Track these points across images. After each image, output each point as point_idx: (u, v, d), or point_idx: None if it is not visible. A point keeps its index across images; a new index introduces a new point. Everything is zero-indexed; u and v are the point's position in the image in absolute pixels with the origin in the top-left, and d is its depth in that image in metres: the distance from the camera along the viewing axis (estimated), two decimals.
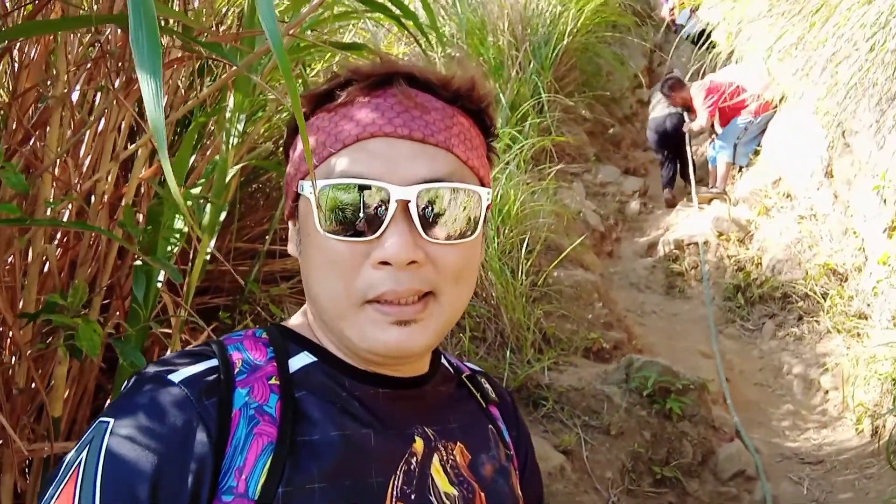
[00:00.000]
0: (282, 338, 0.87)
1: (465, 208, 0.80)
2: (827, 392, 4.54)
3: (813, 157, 5.55)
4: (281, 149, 0.96)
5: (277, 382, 0.81)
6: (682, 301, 5.98)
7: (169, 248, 1.78)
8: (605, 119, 8.66)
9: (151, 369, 0.79)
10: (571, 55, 7.71)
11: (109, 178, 1.73)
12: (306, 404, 0.80)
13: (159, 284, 1.72)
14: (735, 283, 5.73)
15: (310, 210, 0.79)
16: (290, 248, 0.90)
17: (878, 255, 4.54)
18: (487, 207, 0.86)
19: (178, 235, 1.78)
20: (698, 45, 8.05)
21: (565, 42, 7.30)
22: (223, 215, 2.00)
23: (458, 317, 0.87)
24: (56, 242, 1.70)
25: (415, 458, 0.83)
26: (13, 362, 1.37)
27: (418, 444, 0.85)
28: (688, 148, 7.69)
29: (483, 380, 1.01)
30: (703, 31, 7.85)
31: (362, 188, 0.77)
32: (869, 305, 4.69)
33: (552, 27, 7.23)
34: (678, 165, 7.77)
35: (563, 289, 4.24)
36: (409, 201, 0.76)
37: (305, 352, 0.86)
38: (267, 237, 2.96)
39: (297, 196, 0.84)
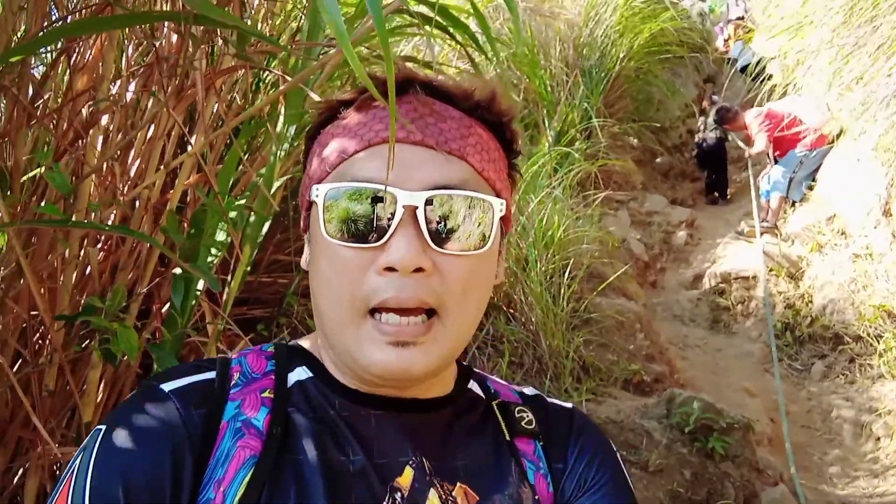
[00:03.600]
0: (287, 352, 0.85)
1: (476, 219, 0.77)
2: (879, 439, 4.34)
3: (870, 194, 5.37)
4: None
5: (271, 396, 0.79)
6: (727, 336, 5.82)
7: (210, 258, 1.77)
8: (654, 147, 8.56)
9: (153, 379, 0.79)
10: (623, 82, 7.65)
11: (156, 186, 1.73)
12: (296, 421, 0.78)
13: (198, 293, 1.71)
14: (784, 320, 5.56)
15: (317, 217, 0.78)
16: (302, 261, 0.86)
17: None
18: (504, 220, 0.83)
19: (220, 245, 1.77)
20: (752, 77, 7.98)
21: (617, 69, 7.25)
22: (266, 227, 1.99)
23: (465, 340, 0.82)
24: (99, 246, 1.71)
25: (399, 493, 0.77)
26: (46, 364, 1.36)
27: (405, 477, 0.78)
28: (728, 167, 8.37)
29: (523, 408, 0.91)
30: (758, 62, 7.76)
31: (370, 193, 0.74)
32: None
33: (605, 54, 7.18)
34: (720, 178, 8.44)
35: (604, 317, 4.15)
36: (416, 207, 0.74)
37: (304, 367, 0.83)
38: None
39: (311, 205, 0.82)
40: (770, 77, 7.24)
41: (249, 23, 2.11)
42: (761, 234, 6.53)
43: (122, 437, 0.72)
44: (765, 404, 4.64)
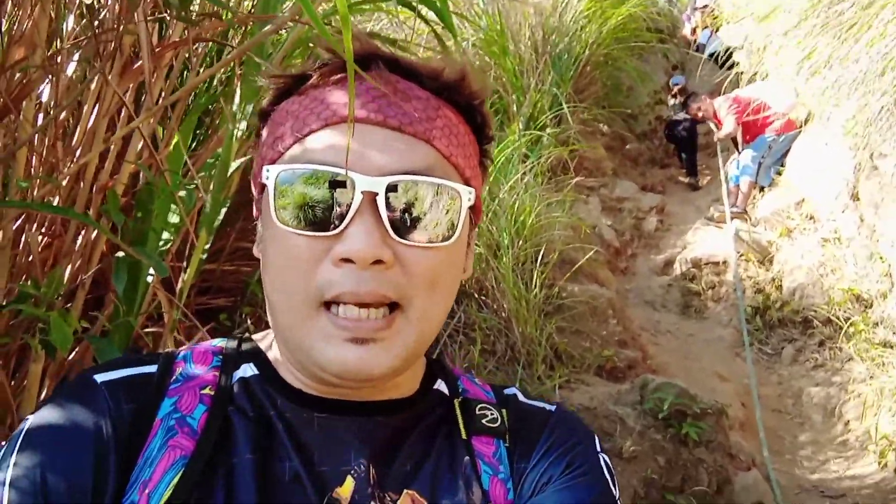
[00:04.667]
0: (237, 348, 0.79)
1: (443, 207, 0.71)
2: (848, 422, 4.37)
3: (838, 178, 5.39)
4: None
5: (211, 393, 0.73)
6: (698, 321, 5.82)
7: (162, 243, 1.67)
8: (624, 134, 8.55)
9: (90, 370, 0.74)
10: (592, 68, 7.61)
11: (106, 166, 1.62)
12: (235, 421, 0.72)
13: (150, 279, 1.61)
14: (754, 305, 5.58)
15: (268, 201, 0.70)
16: (254, 249, 0.78)
17: None
18: (473, 210, 0.76)
19: (170, 228, 1.67)
20: (720, 65, 8.02)
21: (586, 54, 7.21)
22: (224, 212, 1.89)
23: (432, 336, 0.75)
24: (43, 231, 1.60)
25: None
26: None
27: (345, 487, 0.71)
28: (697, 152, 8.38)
29: (487, 406, 0.82)
30: (727, 49, 7.79)
31: (327, 177, 0.67)
32: (894, 333, 4.52)
33: (573, 40, 7.12)
34: (691, 160, 8.53)
35: (577, 303, 4.10)
36: (376, 194, 0.67)
37: (251, 364, 0.77)
38: None
39: (263, 188, 0.73)
40: (737, 64, 7.26)
41: None
42: (731, 219, 6.55)
43: (45, 432, 0.67)
44: (736, 389, 4.65)
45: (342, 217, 0.67)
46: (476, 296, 3.79)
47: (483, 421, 0.79)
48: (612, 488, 0.77)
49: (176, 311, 1.71)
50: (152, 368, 0.74)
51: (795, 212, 6.05)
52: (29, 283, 1.19)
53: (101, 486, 0.65)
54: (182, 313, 1.72)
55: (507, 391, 0.86)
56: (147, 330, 1.88)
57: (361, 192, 0.66)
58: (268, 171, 0.70)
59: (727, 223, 6.53)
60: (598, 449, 0.80)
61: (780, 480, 3.72)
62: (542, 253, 4.03)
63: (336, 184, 0.67)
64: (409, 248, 0.69)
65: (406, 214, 0.68)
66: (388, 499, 0.72)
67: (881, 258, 4.90)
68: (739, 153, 7.12)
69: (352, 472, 0.72)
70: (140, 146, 1.55)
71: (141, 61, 1.54)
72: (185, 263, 1.98)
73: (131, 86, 1.63)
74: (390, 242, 0.68)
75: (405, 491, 0.73)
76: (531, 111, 6.43)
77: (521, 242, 4.03)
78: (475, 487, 0.74)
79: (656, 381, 3.51)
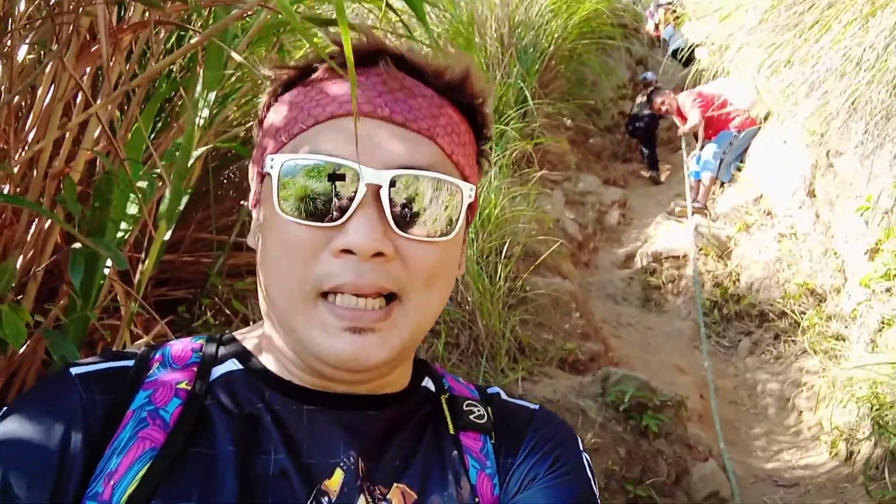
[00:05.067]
0: (218, 345, 0.79)
1: (443, 203, 0.72)
2: (801, 413, 4.48)
3: (796, 175, 5.51)
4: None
5: (188, 388, 0.73)
6: (658, 315, 5.90)
7: (120, 234, 1.62)
8: (588, 128, 8.61)
9: (68, 364, 0.74)
10: (557, 62, 7.64)
11: (61, 153, 1.56)
12: (214, 415, 0.71)
13: (107, 270, 1.56)
14: (712, 298, 5.67)
15: (269, 191, 0.72)
16: (250, 240, 0.80)
17: (858, 276, 4.49)
18: (471, 207, 0.77)
19: (129, 219, 1.62)
20: (682, 61, 8.12)
21: (552, 49, 7.23)
22: (185, 201, 1.85)
23: (427, 328, 0.76)
24: None
25: (326, 498, 0.69)
26: None
27: (334, 480, 0.70)
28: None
29: (474, 403, 0.83)
30: (689, 46, 7.89)
31: (331, 168, 0.68)
32: (847, 327, 4.64)
33: (539, 34, 7.14)
34: (651, 154, 8.62)
35: (540, 296, 4.13)
36: (380, 187, 0.68)
37: (234, 359, 0.77)
38: (234, 228, 2.80)
39: (263, 177, 0.75)
40: (699, 61, 7.36)
41: None
42: (692, 213, 6.65)
43: (14, 423, 0.67)
44: (695, 381, 4.73)
45: (344, 209, 0.67)
46: None
47: (470, 417, 0.81)
48: (594, 488, 0.78)
49: (134, 304, 1.67)
50: (129, 363, 0.74)
51: (754, 207, 6.17)
52: None
53: (64, 475, 0.64)
54: (140, 306, 1.67)
55: (490, 390, 0.88)
56: (103, 322, 1.83)
57: (366, 185, 0.67)
58: (272, 160, 0.71)
59: (688, 218, 6.62)
60: (581, 449, 0.82)
61: (736, 470, 3.80)
62: (506, 246, 4.04)
63: (339, 176, 0.68)
64: (409, 241, 0.70)
65: (407, 209, 0.69)
66: (378, 492, 0.72)
67: (835, 254, 5.03)
68: (701, 149, 7.23)
69: (341, 464, 0.71)
70: (98, 133, 1.50)
71: (99, 44, 1.49)
72: (143, 255, 1.93)
73: (88, 70, 1.57)
74: (391, 236, 0.69)
75: (395, 484, 0.73)
76: (496, 104, 6.44)
77: (485, 235, 4.03)
78: (463, 482, 0.76)
79: (618, 373, 3.55)
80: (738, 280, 5.71)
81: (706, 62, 7.15)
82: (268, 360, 0.77)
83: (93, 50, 1.53)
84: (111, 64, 1.56)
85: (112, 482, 0.64)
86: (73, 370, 0.72)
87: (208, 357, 0.76)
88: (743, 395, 4.88)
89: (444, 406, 0.82)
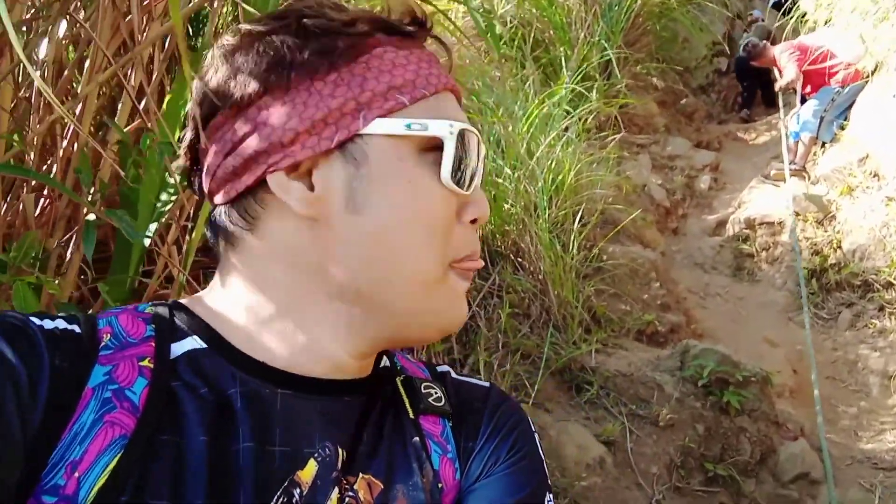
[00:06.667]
0: (171, 316, 0.70)
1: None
2: None
3: None
4: None
5: (150, 365, 0.64)
6: (750, 284, 5.59)
7: (161, 204, 1.61)
8: (678, 88, 8.19)
9: (13, 312, 0.64)
10: (645, 19, 7.27)
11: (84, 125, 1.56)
12: (182, 397, 0.63)
13: (148, 238, 1.56)
14: (810, 267, 5.30)
15: (402, 154, 0.67)
16: (300, 207, 0.66)
17: None
18: None
19: (171, 190, 1.61)
20: (783, 11, 7.57)
21: (638, 4, 6.88)
22: None
23: None
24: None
25: (298, 489, 0.63)
26: None
27: (307, 470, 0.65)
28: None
29: (431, 384, 0.78)
30: None
31: (476, 137, 0.70)
32: None
33: None
34: (760, 91, 8.26)
35: (617, 266, 3.96)
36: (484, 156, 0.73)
37: (195, 336, 0.68)
38: None
39: (348, 138, 0.66)
40: (800, 10, 6.84)
41: None
42: (790, 176, 6.22)
43: None
44: (787, 355, 4.45)
45: (472, 178, 0.70)
46: (512, 258, 3.69)
47: (429, 400, 0.76)
48: (545, 466, 0.79)
49: (181, 275, 1.67)
50: (76, 328, 0.64)
51: (858, 169, 5.70)
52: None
53: (11, 455, 0.54)
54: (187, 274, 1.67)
55: (439, 369, 0.84)
56: (158, 292, 1.84)
57: (481, 155, 0.71)
58: (448, 125, 0.67)
59: (785, 181, 6.21)
60: (532, 427, 0.81)
61: (831, 451, 3.56)
62: (582, 213, 3.88)
63: (478, 143, 0.70)
64: None
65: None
66: (346, 482, 0.67)
67: None
68: (800, 106, 6.74)
69: (315, 454, 0.66)
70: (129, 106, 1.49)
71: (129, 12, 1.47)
72: (190, 224, 1.94)
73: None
74: None
75: (361, 475, 0.68)
76: (579, 65, 6.20)
77: (559, 202, 3.89)
78: (427, 468, 0.71)
79: (698, 347, 3.37)
80: (840, 247, 5.31)
81: (810, 12, 6.64)
82: (234, 336, 0.69)
83: (126, 19, 1.51)
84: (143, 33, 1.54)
85: (77, 474, 0.57)
86: (35, 320, 0.62)
87: (164, 331, 0.68)
88: (842, 371, 4.56)
89: (401, 389, 0.77)
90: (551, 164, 3.94)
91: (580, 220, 3.88)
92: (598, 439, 2.87)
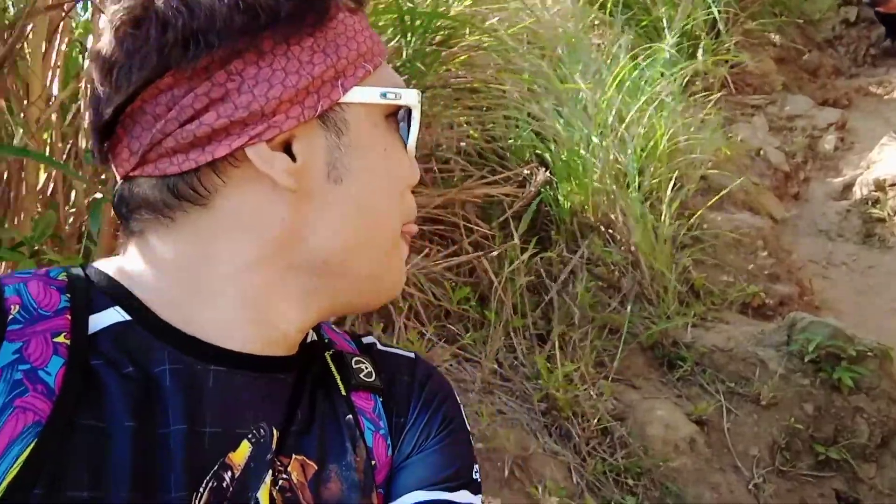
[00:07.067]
0: (87, 284, 0.63)
1: None
2: None
3: None
4: None
5: (66, 342, 0.58)
6: (881, 252, 5.09)
7: None
8: (798, 46, 7.56)
9: None
10: None
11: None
12: (103, 377, 0.58)
13: None
14: None
15: (376, 121, 0.68)
16: (284, 179, 0.62)
17: None
18: None
19: None
20: None
21: None
22: None
23: None
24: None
25: (229, 473, 0.59)
26: None
27: (240, 453, 0.61)
28: None
29: (360, 359, 0.75)
30: None
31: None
32: None
33: None
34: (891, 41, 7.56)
35: (719, 234, 3.70)
36: None
37: (117, 307, 0.62)
38: None
39: (331, 107, 0.64)
40: None
41: None
42: None
43: None
44: None
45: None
46: (602, 229, 3.53)
47: (360, 375, 0.73)
48: (471, 438, 0.78)
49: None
50: None
51: None
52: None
53: None
54: None
55: (365, 339, 0.80)
56: None
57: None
58: (418, 94, 0.69)
59: None
60: (458, 398, 0.81)
61: None
62: (674, 178, 3.65)
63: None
64: None
65: None
66: (279, 463, 0.63)
67: None
68: None
69: (249, 435, 0.62)
70: None
71: None
72: None
73: None
74: None
75: (294, 456, 0.64)
76: (684, 24, 5.84)
77: (652, 169, 3.68)
78: (360, 446, 0.69)
79: (807, 319, 3.09)
80: None
81: None
82: (162, 309, 0.63)
83: None
84: None
85: None
86: None
87: (81, 301, 0.61)
88: None
89: (331, 364, 0.73)
90: (643, 129, 3.72)
91: (677, 187, 3.66)
92: (689, 418, 2.69)
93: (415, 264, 2.73)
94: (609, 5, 5.42)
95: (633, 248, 3.43)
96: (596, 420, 2.48)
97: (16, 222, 1.16)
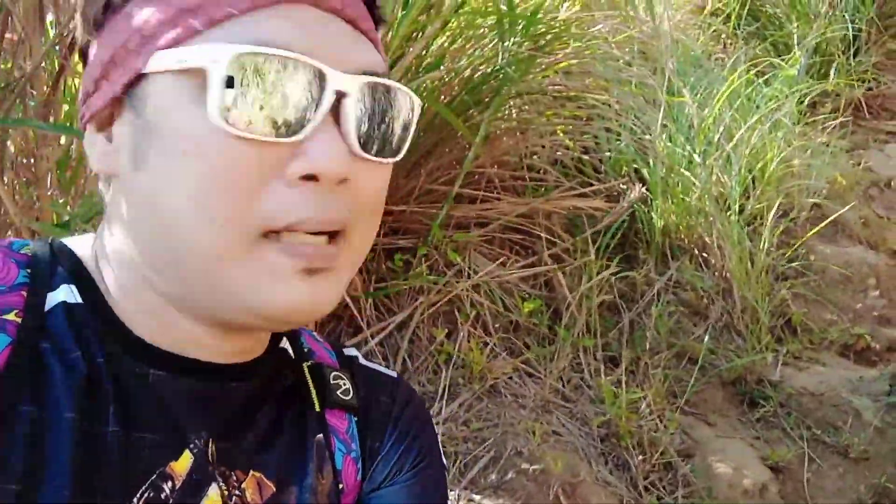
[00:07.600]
0: (51, 259, 0.60)
1: (403, 119, 0.59)
2: None
3: None
4: None
5: (17, 320, 0.55)
6: None
7: None
8: None
9: None
10: None
11: None
12: (50, 363, 0.55)
13: None
14: None
15: (177, 96, 0.53)
16: (96, 162, 0.60)
17: None
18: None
19: None
20: None
21: None
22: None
23: (359, 266, 0.62)
24: None
25: (168, 483, 0.57)
26: None
27: (181, 463, 0.58)
28: None
29: (340, 374, 0.71)
30: None
31: (288, 65, 0.51)
32: None
33: None
34: None
35: (826, 268, 3.45)
36: (348, 96, 0.54)
37: (72, 286, 0.59)
38: (457, 181, 2.78)
39: (133, 81, 0.55)
40: None
41: None
42: None
43: None
44: None
45: (303, 122, 0.52)
46: (696, 252, 3.37)
47: (338, 392, 0.69)
48: (445, 472, 0.75)
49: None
50: None
51: None
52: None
53: None
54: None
55: (347, 352, 0.76)
56: None
57: (333, 91, 0.53)
58: (204, 49, 0.52)
59: None
60: (434, 429, 0.77)
61: None
62: (789, 208, 3.43)
63: (299, 76, 0.52)
64: (365, 163, 0.56)
65: (371, 125, 0.56)
66: (234, 478, 0.61)
67: None
68: None
69: (191, 445, 0.59)
70: None
71: None
72: None
73: None
74: (351, 157, 0.55)
75: (251, 472, 0.62)
76: (818, 42, 5.48)
77: (757, 194, 3.47)
78: (327, 468, 0.66)
79: None
80: None
81: None
82: (112, 295, 0.60)
83: None
84: None
85: None
86: None
87: (40, 278, 0.58)
88: None
89: (308, 377, 0.68)
90: (753, 150, 3.52)
91: (784, 215, 3.43)
92: (765, 463, 2.51)
93: (488, 272, 2.70)
94: (733, 17, 5.16)
95: (726, 275, 3.25)
96: (659, 453, 2.36)
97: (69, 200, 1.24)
